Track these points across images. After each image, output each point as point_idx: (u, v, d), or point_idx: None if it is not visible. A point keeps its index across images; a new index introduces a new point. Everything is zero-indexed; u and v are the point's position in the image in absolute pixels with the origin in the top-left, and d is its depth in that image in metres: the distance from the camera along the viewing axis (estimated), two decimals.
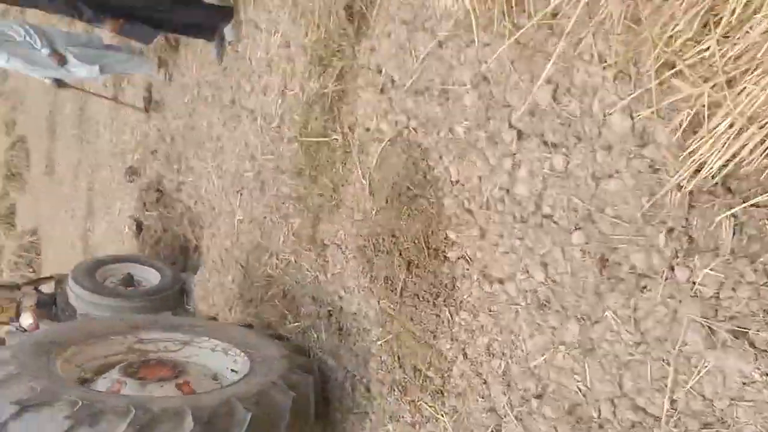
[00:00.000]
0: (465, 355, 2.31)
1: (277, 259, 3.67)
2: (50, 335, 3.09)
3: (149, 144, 6.03)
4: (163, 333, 3.17)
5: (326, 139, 3.15)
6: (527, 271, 2.07)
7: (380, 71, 2.82)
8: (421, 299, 2.50)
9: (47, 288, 6.52)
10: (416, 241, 2.50)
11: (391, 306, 2.66)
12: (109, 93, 7.39)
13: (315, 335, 3.26)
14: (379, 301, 2.78)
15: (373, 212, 2.80)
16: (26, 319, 5.01)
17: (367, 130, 2.89)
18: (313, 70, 3.26)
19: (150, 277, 5.01)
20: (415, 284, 2.52)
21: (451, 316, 2.37)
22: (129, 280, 5.02)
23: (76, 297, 4.65)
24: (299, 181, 3.43)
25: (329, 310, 3.17)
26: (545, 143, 2.02)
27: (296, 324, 3.42)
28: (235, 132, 4.27)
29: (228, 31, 4.24)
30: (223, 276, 4.38)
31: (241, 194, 4.17)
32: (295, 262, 3.48)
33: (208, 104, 4.73)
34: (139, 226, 6.07)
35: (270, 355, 2.91)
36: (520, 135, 2.10)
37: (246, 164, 4.08)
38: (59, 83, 5.29)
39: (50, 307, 5.95)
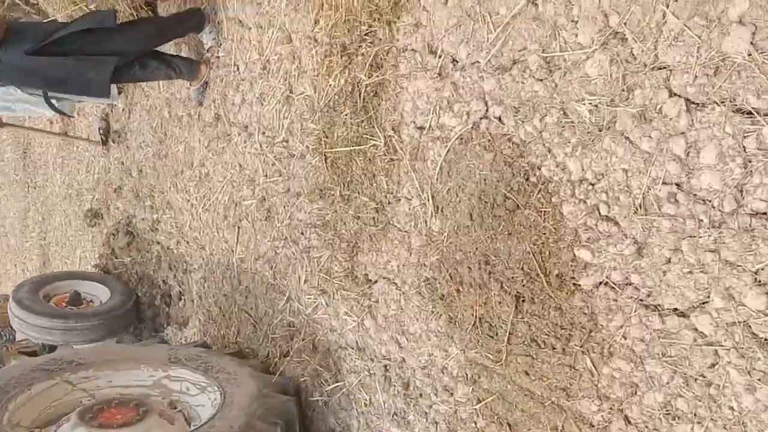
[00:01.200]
0: (627, 419, 1.66)
1: (300, 303, 2.95)
2: None
3: (111, 180, 5.22)
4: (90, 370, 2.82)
5: (360, 147, 2.48)
6: (730, 296, 1.44)
7: (434, 51, 2.17)
8: (541, 345, 1.84)
9: None
10: (526, 268, 1.85)
11: (490, 356, 2.00)
12: (56, 128, 6.54)
13: (367, 397, 2.56)
14: (464, 351, 2.11)
15: (445, 234, 2.14)
16: None
17: (421, 128, 2.24)
18: (332, 63, 2.59)
19: (99, 294, 4.57)
20: (529, 326, 1.86)
21: (595, 366, 1.72)
22: (76, 299, 4.52)
23: (17, 320, 4.17)
24: (323, 204, 2.74)
25: (385, 365, 2.48)
26: (741, 112, 1.40)
27: (338, 384, 2.71)
28: (223, 154, 3.55)
29: (206, 35, 3.53)
30: (224, 328, 3.63)
31: (239, 228, 3.44)
32: (326, 305, 2.77)
33: (183, 126, 3.99)
34: None
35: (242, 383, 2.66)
36: (690, 105, 1.49)
37: (244, 191, 3.36)
38: None
39: None
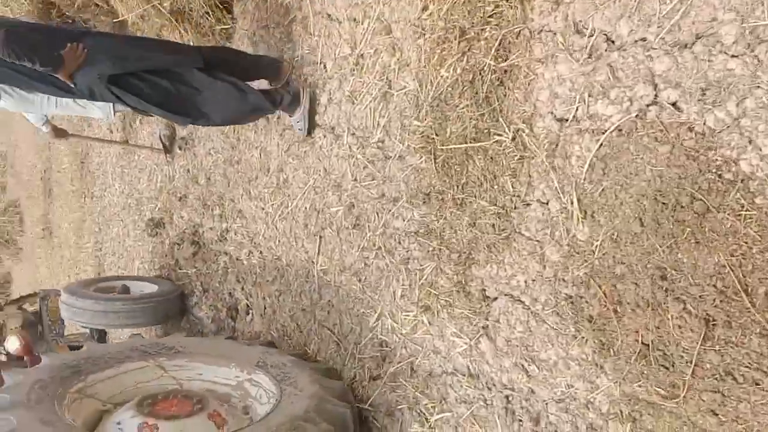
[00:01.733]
0: None
1: (394, 320, 2.65)
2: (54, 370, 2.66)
3: (176, 189, 5.04)
4: (184, 360, 2.89)
5: (480, 144, 2.18)
6: None
7: (581, 30, 1.87)
8: (739, 380, 1.49)
9: (31, 306, 5.84)
10: (719, 284, 1.51)
11: (661, 391, 1.65)
12: (117, 137, 6.45)
13: (482, 431, 2.23)
14: (620, 383, 1.77)
15: (597, 243, 1.81)
16: (12, 344, 4.53)
17: (562, 120, 1.93)
18: (445, 52, 2.31)
19: (148, 289, 4.76)
20: (722, 355, 1.52)
21: None
22: (125, 291, 4.77)
23: (65, 306, 4.39)
24: (428, 210, 2.44)
25: (507, 396, 2.15)
26: None
27: (443, 414, 2.38)
28: (305, 159, 3.29)
29: (294, 121, 3.24)
30: (302, 345, 3.35)
31: (321, 237, 3.17)
32: (429, 323, 2.46)
33: (259, 130, 3.77)
34: None
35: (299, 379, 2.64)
36: None
37: (328, 197, 3.09)
38: (56, 132, 4.34)
39: (36, 326, 5.55)
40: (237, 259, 4.13)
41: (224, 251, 4.28)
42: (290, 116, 3.18)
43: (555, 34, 1.95)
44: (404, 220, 2.59)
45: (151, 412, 2.51)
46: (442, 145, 2.31)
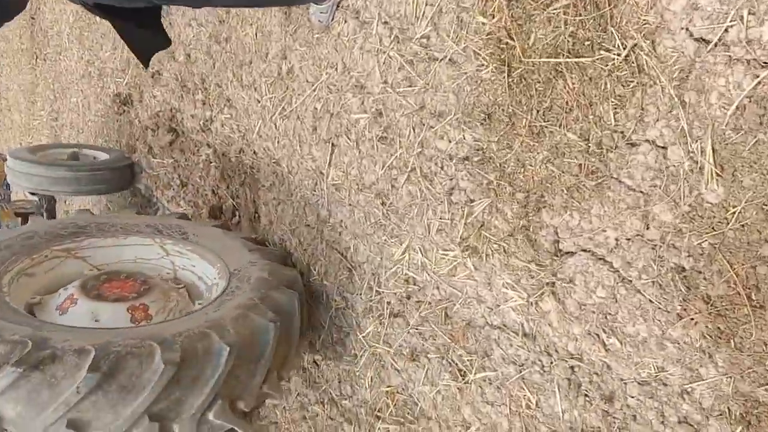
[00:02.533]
0: None
1: (426, 256, 2.27)
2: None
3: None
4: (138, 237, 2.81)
5: (579, 59, 1.69)
6: None
7: None
8: None
9: None
10: None
11: None
12: None
13: (533, 399, 1.94)
14: (734, 379, 1.45)
15: (735, 209, 1.41)
16: None
17: (703, 41, 1.45)
18: None
19: (98, 157, 4.62)
20: None
21: None
22: (75, 157, 4.61)
23: (11, 171, 4.21)
24: (487, 134, 1.98)
25: (573, 366, 1.83)
26: None
27: (486, 373, 2.07)
28: (318, 47, 2.72)
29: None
30: (303, 264, 2.97)
31: (334, 145, 2.68)
32: (474, 268, 2.09)
33: None
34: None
35: (247, 264, 2.59)
36: None
37: (348, 99, 2.57)
38: None
39: None
40: (223, 155, 3.62)
41: (207, 143, 3.75)
42: (315, 3, 2.55)
43: None
44: (451, 142, 2.13)
45: (94, 286, 2.48)
46: (523, 55, 1.81)
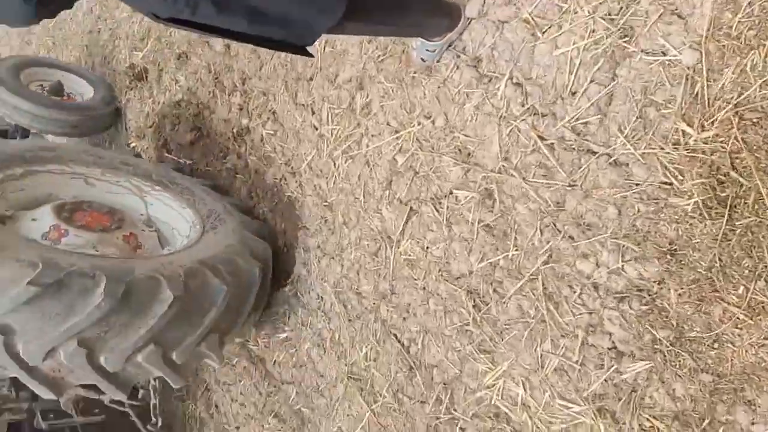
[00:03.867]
0: None
1: (529, 394, 1.77)
2: None
3: (173, 40, 3.74)
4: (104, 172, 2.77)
5: None
6: None
7: None
8: None
9: None
10: None
11: None
12: None
13: None
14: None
15: None
16: None
17: None
18: None
19: (83, 90, 4.34)
20: None
21: None
22: (59, 90, 4.22)
23: None
24: (665, 278, 1.48)
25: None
26: None
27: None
28: (411, 88, 2.17)
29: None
30: (348, 344, 2.46)
31: (414, 212, 2.16)
32: None
33: None
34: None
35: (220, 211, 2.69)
36: None
37: (444, 163, 2.03)
38: None
39: None
40: (256, 172, 3.06)
41: (238, 153, 3.18)
42: (425, 38, 1.99)
43: None
44: (599, 266, 1.62)
45: (68, 218, 2.45)
46: (757, 205, 1.30)
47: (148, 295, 2.01)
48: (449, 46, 2.01)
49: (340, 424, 2.47)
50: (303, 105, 2.69)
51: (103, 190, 2.76)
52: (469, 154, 1.97)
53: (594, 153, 1.65)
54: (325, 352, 2.57)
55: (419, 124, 2.14)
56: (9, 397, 3.11)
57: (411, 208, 2.19)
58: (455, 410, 2.00)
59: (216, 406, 3.28)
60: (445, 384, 2.04)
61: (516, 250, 1.82)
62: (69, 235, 2.38)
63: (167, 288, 2.01)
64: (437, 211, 2.09)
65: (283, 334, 2.80)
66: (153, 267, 2.08)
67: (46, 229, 2.38)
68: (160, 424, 3.25)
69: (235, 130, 3.16)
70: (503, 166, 1.86)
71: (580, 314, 1.67)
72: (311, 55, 1.61)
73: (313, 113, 2.63)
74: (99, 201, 2.68)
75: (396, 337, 2.24)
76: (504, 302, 1.86)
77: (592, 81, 1.64)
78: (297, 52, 1.59)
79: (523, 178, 1.80)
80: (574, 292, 1.68)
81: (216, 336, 2.33)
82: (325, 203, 2.58)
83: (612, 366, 1.61)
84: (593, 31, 1.64)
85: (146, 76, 4.08)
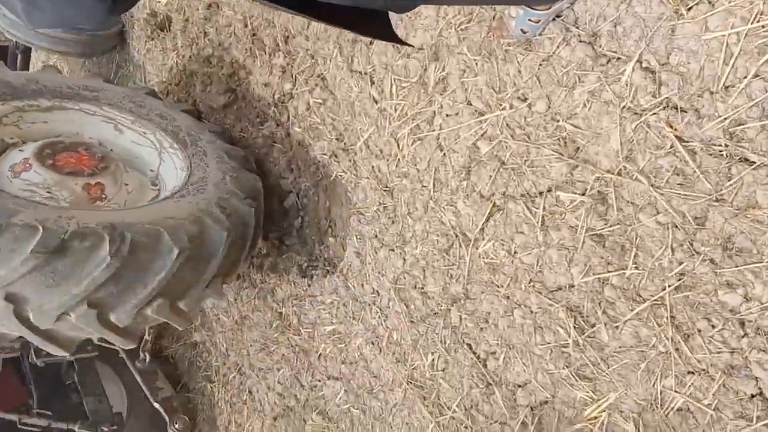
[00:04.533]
0: None
1: None
2: None
3: None
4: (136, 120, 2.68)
5: None
6: None
7: None
8: None
9: None
10: None
11: None
12: None
13: None
14: None
15: None
16: None
17: None
18: None
19: None
20: None
21: None
22: None
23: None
24: None
25: None
26: None
27: None
28: (504, 63, 1.85)
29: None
30: (405, 361, 2.22)
31: (498, 208, 1.88)
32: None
33: None
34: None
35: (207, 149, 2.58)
36: None
37: (546, 157, 1.74)
38: None
39: None
40: (299, 144, 2.76)
41: (278, 121, 2.87)
42: (529, 6, 1.65)
43: None
44: (750, 301, 1.36)
45: (42, 155, 2.39)
46: None
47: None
48: (557, 17, 1.69)
49: (397, 431, 2.26)
50: (360, 73, 2.37)
51: (129, 138, 2.73)
52: (577, 148, 1.67)
53: (751, 163, 1.35)
54: (380, 351, 2.33)
55: (511, 107, 1.83)
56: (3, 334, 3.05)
57: (494, 204, 1.90)
58: None
59: (249, 392, 3.08)
60: (532, 408, 1.81)
61: (636, 268, 1.55)
62: (30, 171, 2.35)
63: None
64: (529, 210, 1.81)
65: (330, 326, 2.56)
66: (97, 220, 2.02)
67: (18, 161, 2.37)
68: (147, 360, 3.42)
69: (276, 96, 2.83)
70: (625, 167, 1.57)
71: (719, 352, 1.41)
72: (409, 44, 1.29)
73: (373, 83, 2.31)
74: (121, 147, 2.68)
75: (470, 348, 1.99)
76: (617, 326, 1.60)
77: (756, 76, 1.34)
78: (390, 38, 1.27)
79: (652, 185, 1.51)
80: (713, 326, 1.42)
81: (219, 279, 2.30)
82: (386, 188, 2.29)
83: (757, 416, 1.36)
84: (761, 14, 1.32)
85: (169, 26, 3.71)
